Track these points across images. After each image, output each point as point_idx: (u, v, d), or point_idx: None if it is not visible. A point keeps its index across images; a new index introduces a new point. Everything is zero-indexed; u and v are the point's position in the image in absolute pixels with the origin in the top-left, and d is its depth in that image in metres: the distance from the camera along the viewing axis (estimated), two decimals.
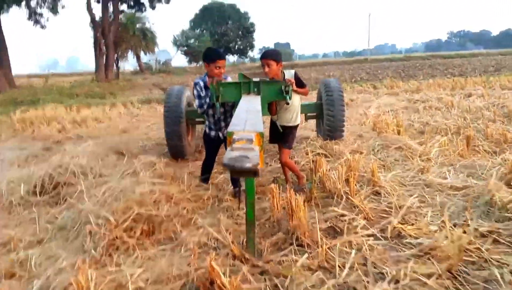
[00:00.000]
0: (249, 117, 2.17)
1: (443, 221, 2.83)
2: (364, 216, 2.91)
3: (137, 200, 2.91)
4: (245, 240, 2.58)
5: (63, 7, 23.22)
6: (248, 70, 32.64)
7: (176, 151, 4.89)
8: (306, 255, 2.38)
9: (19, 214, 3.44)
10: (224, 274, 2.01)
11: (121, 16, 29.89)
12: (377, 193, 3.37)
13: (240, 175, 2.05)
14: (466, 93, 9.89)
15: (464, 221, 2.82)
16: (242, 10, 59.08)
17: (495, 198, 2.94)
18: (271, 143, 3.88)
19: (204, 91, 3.53)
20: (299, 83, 3.49)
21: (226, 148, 3.86)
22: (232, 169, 1.41)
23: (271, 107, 3.53)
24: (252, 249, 2.42)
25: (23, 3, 20.49)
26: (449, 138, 5.11)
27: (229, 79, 3.71)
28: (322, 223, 2.85)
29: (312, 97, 7.35)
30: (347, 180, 3.51)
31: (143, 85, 23.60)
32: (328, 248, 2.49)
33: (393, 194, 3.28)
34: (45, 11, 22.79)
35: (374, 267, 2.28)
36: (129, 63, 42.62)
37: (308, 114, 5.32)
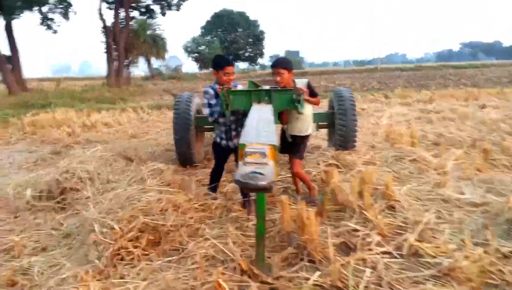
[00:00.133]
0: (261, 127, 2.07)
1: (462, 240, 2.71)
2: (378, 232, 2.78)
3: (143, 209, 2.83)
4: (254, 254, 2.48)
5: (75, 13, 23.49)
6: (258, 77, 32.66)
7: (184, 158, 4.81)
8: (318, 272, 2.27)
9: (25, 219, 3.38)
10: None
11: (132, 22, 30.17)
12: (392, 208, 3.24)
13: (252, 191, 1.95)
14: (480, 104, 9.71)
15: (484, 240, 2.69)
16: (251, 18, 59.40)
17: None
18: (281, 153, 3.78)
19: (214, 99, 3.46)
20: (311, 92, 3.39)
21: (235, 158, 3.80)
22: (245, 187, 1.32)
23: (281, 116, 3.43)
24: (261, 264, 2.31)
25: (35, 8, 20.72)
26: (465, 151, 4.96)
27: (240, 87, 3.63)
28: (334, 238, 2.73)
29: (322, 106, 7.24)
30: (360, 193, 3.40)
31: (153, 91, 23.70)
32: (341, 265, 2.37)
33: (408, 209, 3.15)
34: (56, 16, 23.06)
35: (390, 288, 2.16)
36: (140, 69, 43.02)
37: (319, 123, 5.22)
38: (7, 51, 20.36)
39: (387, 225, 2.91)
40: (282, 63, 3.39)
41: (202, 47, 51.71)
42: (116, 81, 25.13)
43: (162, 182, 3.63)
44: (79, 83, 31.83)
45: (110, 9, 26.57)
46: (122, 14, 26.03)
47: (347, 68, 58.05)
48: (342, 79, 27.24)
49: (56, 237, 2.93)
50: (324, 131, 5.94)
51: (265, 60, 61.88)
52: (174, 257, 2.54)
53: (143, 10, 28.87)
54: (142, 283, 2.18)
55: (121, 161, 4.75)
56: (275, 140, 1.79)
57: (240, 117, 3.51)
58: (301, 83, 3.43)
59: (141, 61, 39.07)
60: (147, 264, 2.43)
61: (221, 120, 3.51)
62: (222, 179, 3.97)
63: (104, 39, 26.40)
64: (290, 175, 3.89)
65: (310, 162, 4.71)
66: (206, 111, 3.53)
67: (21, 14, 20.52)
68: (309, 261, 2.47)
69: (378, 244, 2.65)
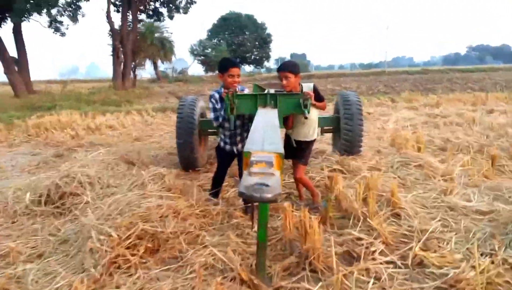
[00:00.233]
0: (267, 134, 2.00)
1: (468, 249, 2.63)
2: (383, 241, 2.71)
3: (142, 215, 2.77)
4: (254, 262, 2.42)
5: (83, 15, 23.61)
6: (264, 80, 32.61)
7: (187, 163, 4.76)
8: (320, 283, 2.20)
9: (22, 224, 3.33)
10: None
11: (139, 25, 30.30)
12: (397, 215, 3.17)
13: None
14: (488, 109, 9.58)
15: (492, 249, 2.60)
16: (259, 21, 59.39)
17: None
18: (285, 159, 3.71)
19: (219, 104, 3.41)
20: (318, 96, 3.33)
21: (239, 164, 3.73)
22: (249, 199, 1.26)
23: (287, 121, 3.37)
24: (262, 274, 2.24)
25: (44, 11, 20.84)
26: (472, 157, 4.86)
27: (247, 91, 3.57)
28: (337, 246, 2.66)
29: (328, 110, 7.16)
30: (364, 200, 3.33)
31: (159, 93, 23.74)
32: (344, 275, 2.30)
33: (414, 217, 3.07)
34: (65, 19, 23.20)
35: None
36: (146, 71, 43.13)
37: (325, 128, 5.14)
38: (15, 54, 20.54)
39: (391, 234, 2.83)
40: (289, 67, 3.33)
41: (209, 50, 51.82)
42: (122, 84, 25.22)
43: (163, 187, 3.57)
44: (86, 86, 32.00)
45: (118, 11, 26.70)
46: (130, 17, 26.14)
47: (354, 70, 57.88)
48: (348, 82, 27.10)
49: (53, 243, 2.88)
50: (328, 135, 5.87)
51: (271, 63, 61.89)
52: (172, 266, 2.48)
53: (150, 13, 28.99)
54: None
55: (123, 165, 4.72)
56: (282, 148, 1.72)
57: (246, 121, 3.46)
58: (307, 87, 3.37)
59: (148, 63, 39.18)
60: (144, 272, 2.38)
61: (226, 124, 3.46)
62: (224, 184, 3.92)
63: (111, 42, 26.53)
64: (293, 180, 3.82)
65: (314, 167, 4.64)
66: (211, 115, 3.48)
67: (30, 17, 20.67)
68: (311, 270, 2.40)
69: (382, 253, 2.58)
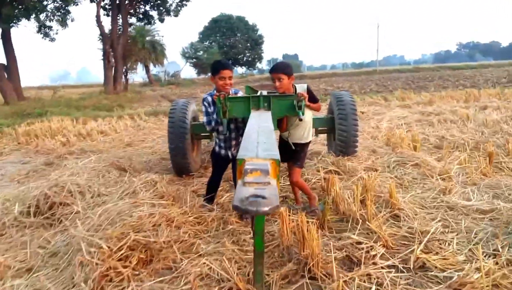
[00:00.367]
0: (261, 138, 1.90)
1: (470, 250, 2.56)
2: (383, 244, 2.64)
3: (134, 225, 2.67)
4: (251, 271, 2.33)
5: (72, 20, 23.33)
6: (256, 81, 32.58)
7: (180, 168, 4.65)
8: None
9: (11, 236, 3.21)
10: None
11: (130, 29, 30.08)
12: (396, 217, 3.10)
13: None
14: (481, 105, 9.57)
15: (494, 250, 2.54)
16: (250, 22, 59.43)
17: None
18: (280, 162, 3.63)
19: (212, 107, 3.32)
20: (312, 97, 3.25)
21: (233, 169, 3.65)
22: (245, 213, 1.17)
23: (280, 123, 3.28)
24: (259, 283, 2.16)
25: (32, 16, 20.57)
26: (468, 154, 4.82)
27: (240, 94, 3.48)
28: (336, 251, 2.58)
29: (321, 110, 7.10)
30: (362, 201, 3.26)
31: (151, 97, 23.59)
32: (345, 282, 2.22)
33: (413, 218, 3.01)
34: (54, 24, 22.91)
35: None
36: (138, 75, 42.94)
37: (319, 129, 5.07)
38: (4, 60, 20.27)
39: (391, 236, 2.76)
40: (282, 68, 3.23)
41: (200, 53, 51.70)
42: (113, 88, 25.01)
43: (155, 195, 3.47)
44: (77, 91, 31.75)
45: (108, 15, 26.48)
46: (120, 20, 25.92)
47: (346, 70, 58.03)
48: (340, 82, 27.17)
49: (43, 256, 2.77)
50: (323, 136, 5.80)
51: (263, 64, 61.90)
52: (166, 277, 2.38)
53: (141, 16, 28.76)
54: None
55: (115, 172, 4.60)
56: (277, 154, 1.62)
57: (240, 125, 3.37)
58: (300, 88, 3.29)
59: (140, 67, 39.00)
60: (137, 285, 2.28)
61: (219, 128, 3.37)
62: (219, 188, 3.83)
63: (101, 46, 26.31)
64: (289, 183, 3.74)
65: (310, 168, 4.57)
66: (204, 119, 3.39)
67: (19, 23, 20.41)
68: (311, 278, 2.32)
69: (383, 257, 2.51)
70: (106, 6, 26.45)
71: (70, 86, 46.39)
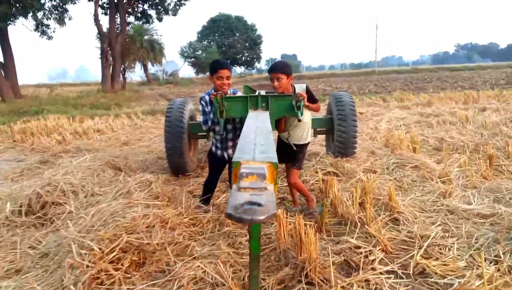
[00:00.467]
0: (258, 140, 1.82)
1: (471, 256, 2.50)
2: (382, 248, 2.57)
3: (127, 226, 2.60)
4: (247, 275, 2.27)
5: (70, 18, 23.17)
6: (255, 81, 32.51)
7: (176, 168, 4.58)
8: None
9: (2, 236, 3.14)
10: None
11: (128, 28, 29.95)
12: (396, 220, 3.04)
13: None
14: (480, 107, 9.53)
15: (496, 256, 2.48)
16: (249, 22, 59.35)
17: None
18: (278, 163, 3.55)
19: (209, 106, 3.26)
20: (311, 98, 3.18)
21: (229, 171, 3.57)
22: (239, 222, 1.08)
23: (279, 124, 3.22)
24: (255, 288, 2.09)
25: (30, 14, 20.44)
26: (468, 157, 4.76)
27: (239, 94, 3.41)
28: (334, 256, 2.52)
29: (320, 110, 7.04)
30: (361, 204, 3.20)
31: (149, 96, 23.50)
32: (342, 287, 2.16)
33: (413, 222, 2.94)
34: (52, 22, 22.76)
35: None
36: (136, 74, 42.82)
37: (318, 129, 5.00)
38: (1, 58, 20.17)
39: (391, 240, 2.70)
40: (280, 68, 3.16)
41: (199, 52, 51.58)
42: (111, 87, 24.90)
43: (150, 195, 3.40)
44: (75, 89, 31.57)
45: (106, 14, 26.35)
46: (118, 19, 25.79)
47: (344, 70, 57.98)
48: (339, 82, 27.13)
49: (33, 257, 2.70)
50: (321, 137, 5.74)
51: (262, 64, 61.88)
52: (159, 280, 2.31)
53: (139, 15, 28.64)
54: None
55: (110, 171, 4.53)
56: (275, 157, 1.53)
57: (238, 125, 3.31)
58: (299, 88, 3.23)
59: (138, 66, 38.87)
60: (129, 288, 2.21)
61: (216, 128, 3.31)
62: (216, 189, 3.76)
63: (99, 45, 26.17)
64: (286, 185, 3.67)
65: (308, 170, 4.50)
66: (200, 118, 3.33)
67: (16, 21, 20.29)
68: (308, 283, 2.25)
69: (382, 262, 2.45)
70: (104, 5, 26.34)
71: (68, 84, 46.28)
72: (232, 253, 2.62)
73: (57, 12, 22.11)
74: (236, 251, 2.67)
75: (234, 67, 56.10)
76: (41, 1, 20.92)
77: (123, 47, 26.62)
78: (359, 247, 2.58)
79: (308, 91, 3.21)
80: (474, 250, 2.55)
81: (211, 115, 3.19)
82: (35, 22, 21.99)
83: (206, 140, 5.19)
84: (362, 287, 2.18)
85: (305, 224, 2.47)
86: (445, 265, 2.38)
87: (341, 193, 3.44)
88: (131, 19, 28.93)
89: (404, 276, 2.31)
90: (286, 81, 3.13)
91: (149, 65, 40.96)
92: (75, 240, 2.43)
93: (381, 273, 2.31)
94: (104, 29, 25.56)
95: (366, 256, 2.48)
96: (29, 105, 15.55)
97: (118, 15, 25.54)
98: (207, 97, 3.29)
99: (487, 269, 2.22)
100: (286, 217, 2.71)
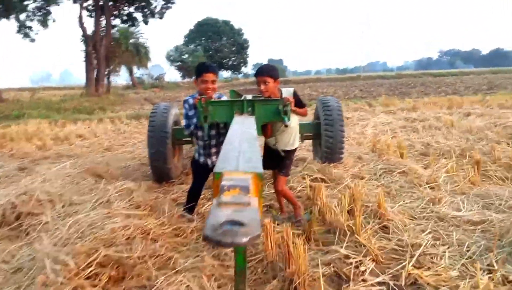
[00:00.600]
0: (243, 148, 1.71)
1: (463, 265, 2.44)
2: (372, 258, 2.49)
3: (106, 239, 2.47)
4: (232, 289, 2.16)
5: (53, 20, 22.81)
6: (241, 85, 32.42)
7: (160, 174, 4.45)
8: None
9: None
10: None
11: (113, 31, 29.60)
12: (385, 228, 2.96)
13: None
14: (464, 112, 9.61)
15: (488, 265, 2.42)
16: (236, 27, 59.42)
17: None
18: (264, 169, 3.46)
19: (192, 110, 3.15)
20: (299, 102, 3.09)
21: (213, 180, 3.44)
22: (218, 245, 0.95)
23: (265, 129, 3.11)
24: None
25: (12, 16, 20.05)
26: (455, 162, 4.74)
27: (224, 98, 3.31)
28: (324, 267, 2.43)
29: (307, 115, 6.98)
30: (349, 212, 3.12)
31: (134, 100, 23.16)
32: None
33: (403, 230, 2.88)
34: (35, 24, 22.34)
35: None
36: (121, 78, 42.27)
37: (305, 134, 4.92)
38: None
39: (381, 249, 2.62)
40: (267, 71, 3.07)
41: (185, 56, 51.32)
42: (95, 90, 24.51)
43: (131, 204, 3.27)
44: (59, 93, 30.96)
45: (91, 16, 25.99)
46: (104, 22, 25.47)
47: (330, 75, 58.40)
48: (324, 87, 27.25)
49: (6, 272, 2.54)
50: (308, 142, 5.66)
51: (249, 69, 61.93)
52: None
53: (125, 18, 28.34)
54: None
55: (90, 178, 4.36)
56: (260, 166, 1.41)
57: (222, 131, 3.19)
58: (286, 92, 3.13)
59: (123, 69, 38.39)
60: None
61: (199, 133, 3.20)
62: (201, 196, 3.63)
63: (84, 48, 25.78)
64: (273, 191, 3.57)
65: (295, 176, 4.41)
66: (183, 122, 3.22)
67: None
68: None
69: (373, 273, 2.37)
70: (90, 7, 25.99)
71: (52, 88, 45.34)
72: (217, 266, 2.49)
73: (40, 13, 21.72)
74: (221, 264, 2.54)
75: (221, 72, 56.02)
76: (24, 3, 20.54)
77: (108, 50, 26.27)
78: (349, 257, 2.50)
79: (295, 95, 3.13)
80: (466, 259, 2.49)
81: (194, 120, 3.09)
82: (18, 24, 21.55)
83: (192, 146, 5.07)
84: None
85: (293, 234, 2.37)
86: (437, 275, 2.31)
87: (329, 200, 3.36)
88: (116, 21, 28.65)
89: (396, 288, 2.23)
90: (273, 85, 3.04)
91: (135, 68, 40.53)
92: (49, 255, 2.29)
93: (372, 285, 2.23)
94: (89, 32, 25.21)
95: (357, 267, 2.40)
96: (10, 109, 15.17)
97: (104, 17, 25.23)
98: (191, 100, 3.18)
99: (481, 279, 2.16)
100: (273, 225, 2.62)
